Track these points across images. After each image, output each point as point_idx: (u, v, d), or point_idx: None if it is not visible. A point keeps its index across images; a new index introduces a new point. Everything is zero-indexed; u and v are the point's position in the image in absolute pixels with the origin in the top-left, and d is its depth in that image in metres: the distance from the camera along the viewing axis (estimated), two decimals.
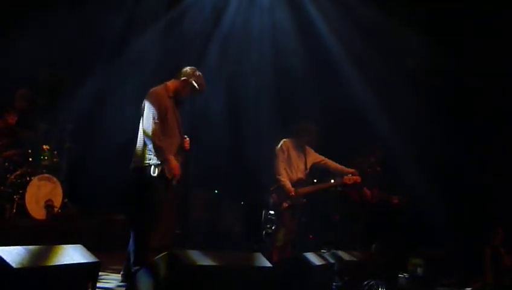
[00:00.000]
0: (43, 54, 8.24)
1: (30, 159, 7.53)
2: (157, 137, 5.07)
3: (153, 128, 5.08)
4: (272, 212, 8.94)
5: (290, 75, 9.31)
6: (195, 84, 5.35)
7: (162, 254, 3.88)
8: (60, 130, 7.92)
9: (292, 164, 6.87)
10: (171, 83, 5.40)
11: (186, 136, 5.46)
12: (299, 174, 6.90)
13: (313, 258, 5.09)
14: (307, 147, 7.00)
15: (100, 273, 3.91)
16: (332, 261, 5.44)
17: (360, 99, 8.86)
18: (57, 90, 8.70)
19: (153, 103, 5.16)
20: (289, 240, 6.80)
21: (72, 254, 3.50)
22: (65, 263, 3.35)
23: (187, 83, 5.35)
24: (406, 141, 8.45)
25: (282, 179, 6.74)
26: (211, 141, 8.18)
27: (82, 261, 3.53)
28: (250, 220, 9.06)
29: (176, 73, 5.46)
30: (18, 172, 7.32)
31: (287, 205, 6.73)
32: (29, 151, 7.55)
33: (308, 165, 6.98)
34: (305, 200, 6.86)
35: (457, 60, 8.20)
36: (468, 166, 8.18)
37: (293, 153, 6.90)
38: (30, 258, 3.11)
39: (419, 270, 7.26)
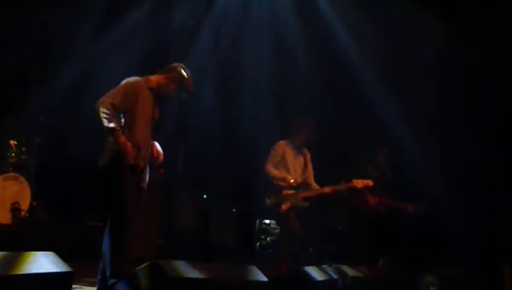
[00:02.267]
0: (11, 39, 8.20)
1: None
2: (106, 107, 4.98)
3: (105, 100, 5.01)
4: (267, 221, 9.01)
5: (291, 67, 9.32)
6: (182, 84, 5.34)
7: (144, 265, 3.87)
8: (30, 123, 7.86)
9: (289, 167, 7.07)
10: (155, 77, 5.40)
11: (155, 142, 5.46)
12: (298, 178, 7.05)
13: (314, 273, 5.11)
14: (307, 152, 7.16)
15: (73, 285, 3.88)
16: (335, 276, 5.46)
17: (369, 91, 8.88)
18: (26, 79, 8.65)
19: (123, 86, 5.17)
20: (298, 247, 6.94)
21: (42, 262, 3.49)
22: (34, 272, 3.34)
23: (173, 80, 5.34)
24: (420, 142, 8.45)
25: (274, 173, 6.95)
26: (201, 140, 8.16)
27: (53, 271, 3.52)
28: (243, 230, 9.06)
29: (162, 65, 5.49)
30: None
31: (286, 207, 6.82)
32: None
33: (308, 170, 7.14)
34: (307, 203, 6.92)
35: (482, 53, 8.20)
36: (490, 172, 8.17)
37: (290, 156, 7.10)
38: None
39: (432, 289, 7.25)
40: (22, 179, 7.39)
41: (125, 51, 8.64)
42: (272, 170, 6.99)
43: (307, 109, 8.55)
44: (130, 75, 5.37)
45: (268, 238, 8.89)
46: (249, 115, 9.25)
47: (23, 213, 7.28)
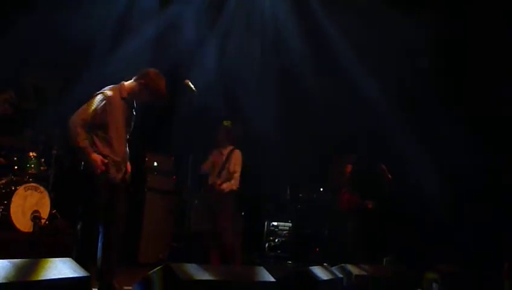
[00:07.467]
0: (29, 55, 8.29)
1: (15, 167, 7.57)
2: (76, 124, 5.10)
3: (75, 119, 5.12)
4: (275, 223, 9.08)
5: (294, 74, 9.41)
6: (153, 91, 5.33)
7: (157, 269, 3.92)
8: (48, 135, 7.93)
9: (214, 169, 7.82)
10: (129, 84, 5.39)
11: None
12: (215, 178, 7.76)
13: (319, 272, 5.12)
14: (233, 152, 7.79)
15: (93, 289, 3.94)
16: (340, 275, 5.47)
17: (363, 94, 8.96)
18: (44, 92, 8.73)
19: (92, 102, 5.22)
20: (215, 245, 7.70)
21: (60, 268, 3.52)
22: (53, 277, 3.37)
23: (145, 86, 5.32)
24: (415, 139, 8.48)
25: None
26: (210, 145, 8.22)
27: (71, 276, 3.55)
28: (251, 232, 9.12)
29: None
30: (2, 181, 7.35)
31: None
32: (14, 158, 7.59)
33: (227, 168, 7.72)
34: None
35: (473, 55, 8.22)
36: (487, 168, 8.17)
37: (214, 158, 7.87)
38: (16, 272, 3.14)
39: (434, 286, 7.27)
40: (42, 188, 7.42)
41: (139, 64, 8.75)
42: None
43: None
44: None
45: (276, 240, 8.94)
46: (257, 120, 9.31)
47: (43, 221, 7.32)
